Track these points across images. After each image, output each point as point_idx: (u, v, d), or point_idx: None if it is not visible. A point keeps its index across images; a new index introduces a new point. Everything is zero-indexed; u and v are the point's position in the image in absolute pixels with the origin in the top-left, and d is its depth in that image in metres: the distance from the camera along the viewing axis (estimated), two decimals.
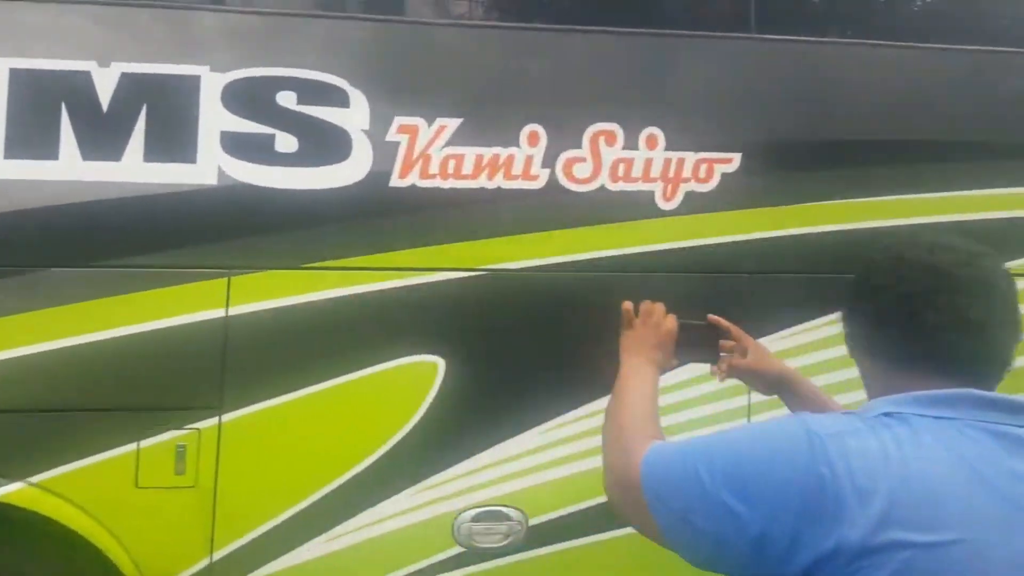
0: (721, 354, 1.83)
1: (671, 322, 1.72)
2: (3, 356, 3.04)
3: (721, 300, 3.46)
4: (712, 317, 1.85)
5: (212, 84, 3.20)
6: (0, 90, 3.05)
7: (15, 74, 3.06)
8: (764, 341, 3.38)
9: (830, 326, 3.49)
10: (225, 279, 3.18)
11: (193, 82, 3.19)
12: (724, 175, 3.48)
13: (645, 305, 1.75)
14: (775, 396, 1.86)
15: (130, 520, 3.13)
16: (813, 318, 3.50)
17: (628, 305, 1.75)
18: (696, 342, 1.75)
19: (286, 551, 3.22)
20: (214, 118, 3.19)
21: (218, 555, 3.18)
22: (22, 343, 3.05)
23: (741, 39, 3.56)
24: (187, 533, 3.17)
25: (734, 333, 1.86)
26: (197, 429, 3.17)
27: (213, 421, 3.17)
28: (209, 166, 3.19)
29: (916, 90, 3.59)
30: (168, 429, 3.15)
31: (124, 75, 3.15)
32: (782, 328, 3.49)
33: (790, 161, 3.54)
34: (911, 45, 3.62)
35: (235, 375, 3.18)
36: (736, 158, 3.49)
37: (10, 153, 3.05)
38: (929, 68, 3.62)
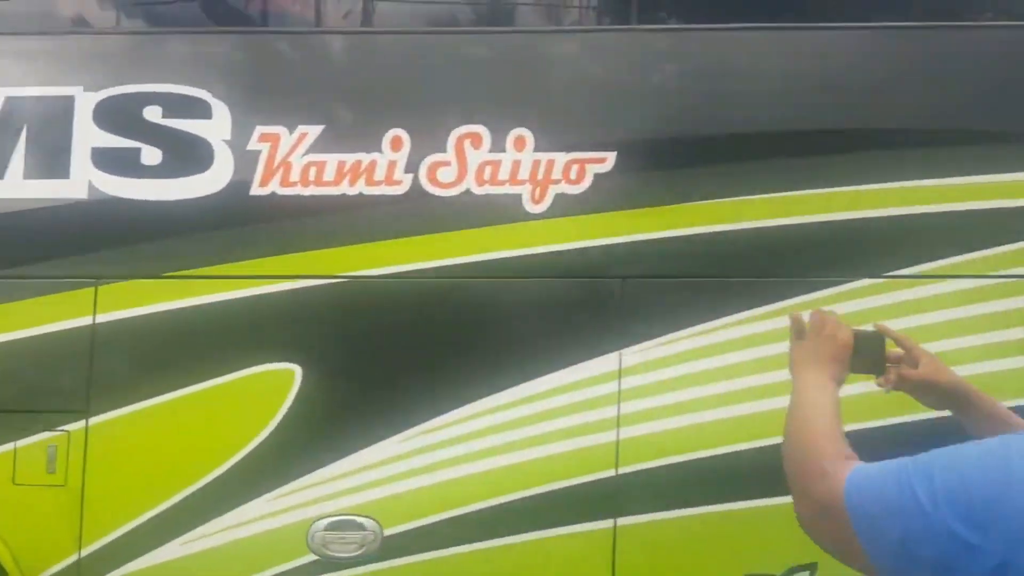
0: (888, 364, 1.67)
1: (846, 332, 1.56)
2: None
3: (594, 306, 3.32)
4: (880, 325, 1.68)
5: (85, 103, 3.37)
6: None
7: None
8: (640, 349, 3.28)
9: (712, 333, 3.24)
10: (92, 288, 3.33)
11: (68, 102, 3.38)
12: (597, 175, 3.31)
13: (817, 315, 1.58)
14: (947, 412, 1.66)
15: (8, 516, 3.31)
16: (693, 324, 3.25)
17: (797, 314, 1.59)
18: (865, 352, 1.60)
19: (147, 551, 3.30)
20: (86, 135, 3.36)
21: (86, 552, 3.30)
22: None
23: (614, 31, 3.39)
24: (58, 530, 3.31)
25: (904, 343, 1.68)
26: (66, 431, 3.32)
27: (81, 424, 3.32)
28: (81, 181, 3.36)
29: (802, 77, 3.28)
30: (40, 430, 3.32)
31: (8, 99, 3.38)
32: (660, 335, 3.26)
33: (668, 159, 3.31)
34: (796, 26, 3.31)
35: (101, 380, 3.32)
36: (610, 157, 3.31)
37: None
38: (818, 52, 3.29)
